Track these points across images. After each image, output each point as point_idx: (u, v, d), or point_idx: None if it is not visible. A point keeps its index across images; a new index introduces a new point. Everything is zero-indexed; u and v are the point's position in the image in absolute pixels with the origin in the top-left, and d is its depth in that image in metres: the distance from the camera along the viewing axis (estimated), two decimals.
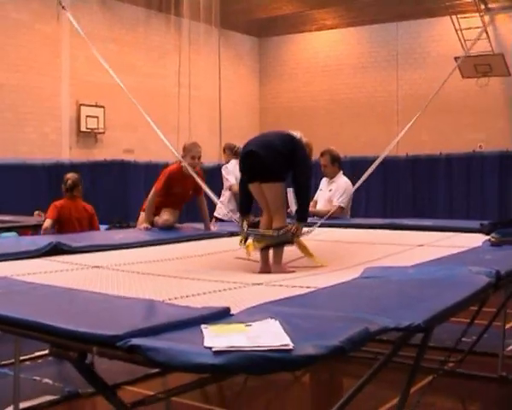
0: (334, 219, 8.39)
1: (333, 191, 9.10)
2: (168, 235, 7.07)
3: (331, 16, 16.73)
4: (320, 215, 8.66)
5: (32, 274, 4.42)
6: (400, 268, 4.40)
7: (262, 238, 5.41)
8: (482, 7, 14.96)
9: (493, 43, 15.09)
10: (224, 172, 10.56)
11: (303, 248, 5.55)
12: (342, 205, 8.95)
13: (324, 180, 9.36)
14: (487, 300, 5.32)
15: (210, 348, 2.33)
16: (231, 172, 10.31)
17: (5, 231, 9.52)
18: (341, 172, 9.26)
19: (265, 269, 5.30)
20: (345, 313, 2.89)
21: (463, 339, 7.06)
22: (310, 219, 7.75)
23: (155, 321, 2.68)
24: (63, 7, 8.62)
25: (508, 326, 7.09)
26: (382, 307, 3.08)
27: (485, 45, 14.90)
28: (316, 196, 9.33)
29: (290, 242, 5.45)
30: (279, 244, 5.40)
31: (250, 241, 5.47)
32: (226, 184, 10.44)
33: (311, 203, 9.08)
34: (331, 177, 9.21)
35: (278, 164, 5.48)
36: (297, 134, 5.78)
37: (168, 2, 13.51)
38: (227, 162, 10.68)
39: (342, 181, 9.15)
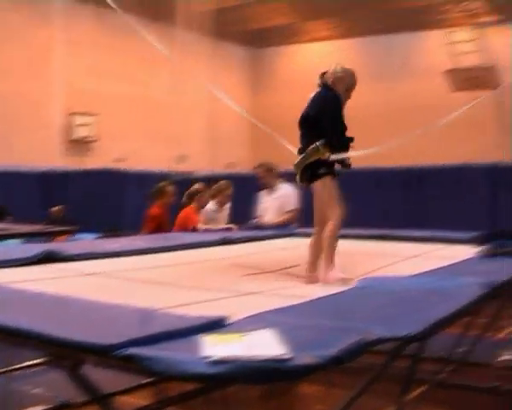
0: (289, 224, 8.58)
1: (281, 199, 9.12)
2: (163, 243, 7.06)
3: (324, 28, 16.79)
4: (278, 226, 8.80)
5: (25, 282, 4.40)
6: (395, 278, 4.41)
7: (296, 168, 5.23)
8: (472, 21, 15.04)
9: (483, 57, 15.17)
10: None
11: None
12: (295, 208, 9.07)
13: (264, 192, 9.36)
14: (480, 310, 5.34)
15: (207, 357, 2.33)
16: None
17: (10, 238, 9.37)
18: (281, 180, 9.26)
19: (312, 278, 5.08)
20: (342, 323, 2.90)
21: (457, 350, 7.09)
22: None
23: (152, 330, 2.67)
24: None
25: (500, 336, 7.12)
26: (378, 318, 3.09)
27: (475, 59, 14.99)
28: (258, 210, 9.39)
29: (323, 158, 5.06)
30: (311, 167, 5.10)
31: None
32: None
33: (258, 218, 9.18)
34: (271, 186, 9.23)
35: None
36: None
37: (162, 12, 13.52)
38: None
39: (286, 187, 9.18)
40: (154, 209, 9.63)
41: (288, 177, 9.81)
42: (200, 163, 16.09)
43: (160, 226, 9.41)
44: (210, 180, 11.02)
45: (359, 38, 17.06)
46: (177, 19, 12.77)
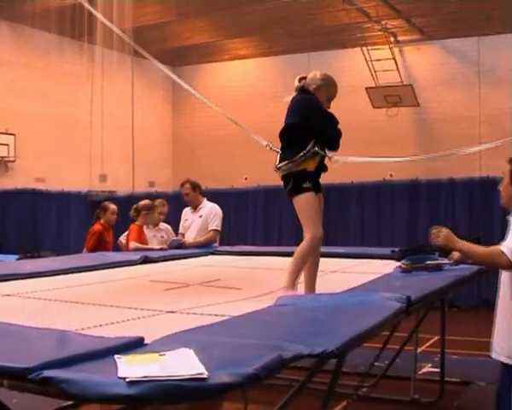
0: (211, 243, 8.62)
1: (204, 217, 9.16)
2: (83, 263, 6.98)
3: (244, 46, 16.87)
4: (200, 245, 8.83)
5: None
6: (314, 296, 4.45)
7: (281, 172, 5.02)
8: (392, 39, 15.32)
9: (403, 75, 15.44)
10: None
11: None
12: (218, 228, 9.07)
13: (188, 210, 9.39)
14: (399, 325, 5.42)
15: (124, 378, 2.30)
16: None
17: None
18: (205, 198, 9.32)
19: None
20: (259, 341, 2.91)
21: (377, 364, 7.18)
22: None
23: (68, 352, 2.63)
24: None
25: (419, 350, 7.23)
26: (296, 335, 3.11)
27: (395, 76, 15.25)
28: (180, 227, 9.40)
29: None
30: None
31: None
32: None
33: (180, 236, 9.21)
34: (196, 205, 9.25)
35: None
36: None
37: (81, 30, 13.39)
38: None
39: (211, 206, 9.23)
40: (96, 226, 9.59)
41: (212, 195, 9.83)
42: (121, 182, 15.97)
43: (101, 243, 9.40)
44: (131, 199, 10.97)
45: (280, 55, 17.19)
46: (96, 37, 12.64)
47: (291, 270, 4.86)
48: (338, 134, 5.04)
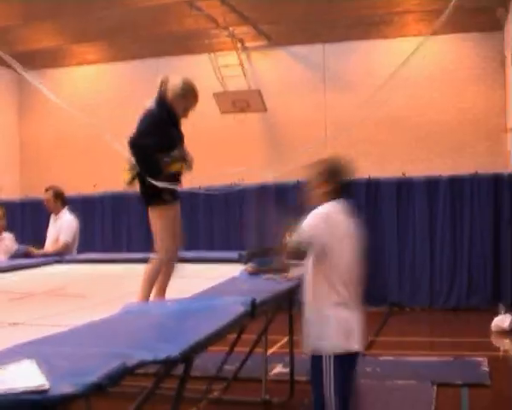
0: (61, 255, 8.54)
1: (58, 228, 9.09)
2: None
3: (92, 51, 16.62)
4: (47, 255, 8.73)
5: None
6: (160, 302, 4.44)
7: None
8: (239, 45, 15.49)
9: (250, 80, 15.64)
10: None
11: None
12: (67, 242, 9.00)
13: (52, 217, 9.31)
14: (246, 327, 5.50)
15: None
16: None
17: None
18: (66, 208, 9.23)
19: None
20: (103, 349, 2.90)
21: (228, 367, 7.24)
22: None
23: None
24: None
25: (270, 352, 7.34)
26: (141, 342, 3.11)
27: (243, 82, 15.43)
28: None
29: None
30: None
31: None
32: None
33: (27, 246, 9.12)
34: (56, 213, 9.17)
35: None
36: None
37: None
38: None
39: (67, 218, 9.14)
40: None
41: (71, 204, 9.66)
42: None
43: None
44: None
45: (129, 61, 17.04)
46: None
47: (142, 290, 4.72)
48: (151, 161, 4.77)
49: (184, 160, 4.91)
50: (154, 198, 4.79)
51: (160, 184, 4.64)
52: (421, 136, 14.71)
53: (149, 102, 5.03)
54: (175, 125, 5.02)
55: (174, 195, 4.88)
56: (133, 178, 4.81)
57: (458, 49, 14.89)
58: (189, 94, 5.02)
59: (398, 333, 11.42)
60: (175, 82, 5.00)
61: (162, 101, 4.96)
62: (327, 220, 4.69)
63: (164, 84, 5.00)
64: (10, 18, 14.19)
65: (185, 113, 5.05)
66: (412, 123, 14.67)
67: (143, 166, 4.74)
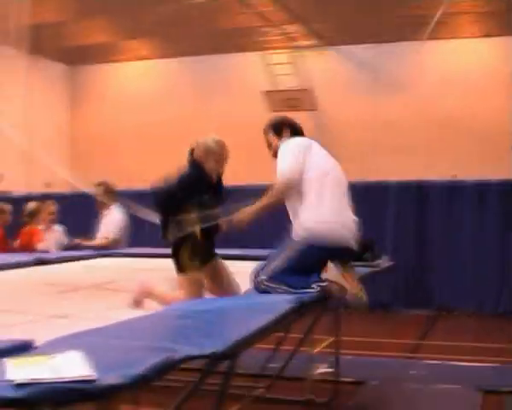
0: (110, 249, 8.67)
1: (106, 222, 9.21)
2: None
3: (143, 47, 16.76)
4: (97, 247, 8.86)
5: None
6: (205, 299, 4.44)
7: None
8: (291, 44, 15.48)
9: (301, 79, 15.62)
10: None
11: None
12: (111, 237, 9.11)
13: (102, 211, 9.44)
14: (292, 326, 5.48)
15: (12, 380, 2.27)
16: None
17: None
18: (116, 203, 9.29)
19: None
20: (149, 343, 2.90)
21: (273, 365, 7.23)
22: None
23: None
24: None
25: (315, 351, 7.31)
26: (186, 336, 3.11)
27: (294, 80, 15.42)
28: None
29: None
30: None
31: None
32: None
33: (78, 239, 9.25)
34: (106, 207, 9.26)
35: None
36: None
37: None
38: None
39: (115, 212, 9.24)
40: None
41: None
42: (16, 183, 15.62)
43: (3, 245, 9.22)
44: (27, 200, 10.77)
45: (180, 57, 17.14)
46: None
47: (154, 294, 4.88)
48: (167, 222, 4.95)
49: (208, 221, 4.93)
50: (179, 265, 4.92)
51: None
52: (473, 138, 14.55)
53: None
54: (206, 184, 5.10)
55: (206, 256, 5.00)
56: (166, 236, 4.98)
57: None
58: (211, 148, 5.14)
59: (444, 337, 11.28)
60: (197, 146, 5.17)
61: (192, 160, 5.13)
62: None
63: (193, 145, 5.20)
64: (63, 14, 14.37)
65: (218, 164, 5.16)
66: (464, 125, 14.51)
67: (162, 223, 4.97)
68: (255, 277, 4.88)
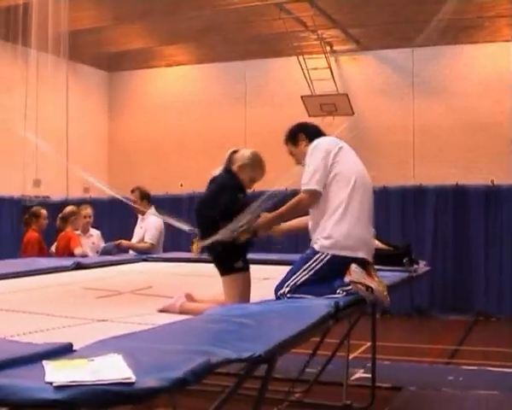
0: (145, 254, 8.69)
1: (144, 228, 9.28)
2: (14, 269, 6.88)
3: (181, 52, 16.83)
4: (134, 250, 8.94)
5: None
6: (242, 304, 4.45)
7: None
8: (328, 49, 15.46)
9: (338, 84, 15.59)
10: None
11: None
12: (152, 242, 9.16)
13: (139, 217, 9.51)
14: (329, 330, 5.49)
15: (51, 383, 2.29)
16: None
17: None
18: (152, 208, 9.33)
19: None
20: (187, 347, 2.91)
21: (310, 370, 7.24)
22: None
23: None
24: None
25: (351, 356, 7.31)
26: (224, 340, 3.12)
27: (331, 85, 15.38)
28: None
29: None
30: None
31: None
32: None
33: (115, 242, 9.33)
34: (142, 213, 9.33)
35: None
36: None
37: (15, 32, 13.20)
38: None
39: (152, 218, 9.27)
40: (32, 234, 9.50)
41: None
42: (55, 188, 15.77)
43: (41, 250, 9.35)
44: (65, 204, 10.88)
45: (216, 63, 17.19)
46: (31, 40, 12.49)
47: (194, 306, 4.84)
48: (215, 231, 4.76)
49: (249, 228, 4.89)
50: (225, 267, 4.89)
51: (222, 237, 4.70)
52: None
53: (217, 171, 5.15)
54: (242, 191, 5.06)
55: (246, 262, 4.96)
56: (202, 249, 4.92)
57: None
58: (256, 164, 5.14)
59: (482, 343, 11.22)
60: (242, 153, 5.15)
61: (229, 169, 5.08)
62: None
63: (232, 154, 5.16)
64: (101, 20, 14.48)
65: (251, 183, 5.13)
66: (502, 130, 14.36)
67: (208, 235, 4.80)
68: (277, 290, 4.89)
